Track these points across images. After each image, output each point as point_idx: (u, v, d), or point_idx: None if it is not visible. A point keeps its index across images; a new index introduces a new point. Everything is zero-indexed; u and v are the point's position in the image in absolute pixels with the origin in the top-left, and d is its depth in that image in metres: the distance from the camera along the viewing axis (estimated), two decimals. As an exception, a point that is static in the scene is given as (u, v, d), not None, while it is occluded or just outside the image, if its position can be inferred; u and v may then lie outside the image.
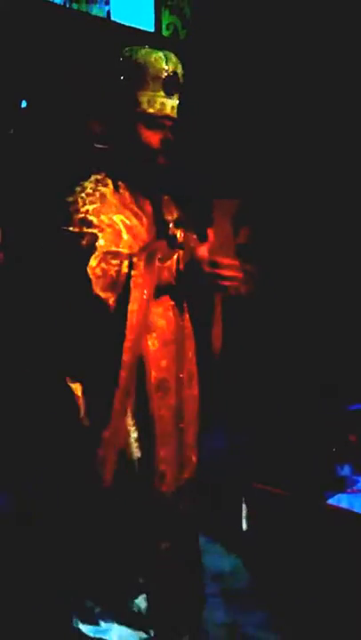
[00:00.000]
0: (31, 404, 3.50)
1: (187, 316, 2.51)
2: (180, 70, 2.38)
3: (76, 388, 2.29)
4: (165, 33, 5.50)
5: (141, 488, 2.37)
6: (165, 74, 2.32)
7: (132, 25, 5.20)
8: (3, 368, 3.75)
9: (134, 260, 2.23)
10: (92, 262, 2.21)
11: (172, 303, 2.44)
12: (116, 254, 2.25)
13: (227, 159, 4.87)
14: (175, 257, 2.28)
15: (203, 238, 2.46)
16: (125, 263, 2.21)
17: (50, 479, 2.69)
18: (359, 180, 4.74)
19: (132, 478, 2.36)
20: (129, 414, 2.34)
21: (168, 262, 2.27)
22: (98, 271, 2.20)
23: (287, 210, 4.87)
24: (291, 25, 4.90)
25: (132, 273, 2.21)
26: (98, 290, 2.19)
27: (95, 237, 2.26)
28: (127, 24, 5.18)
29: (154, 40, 5.14)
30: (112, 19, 5.63)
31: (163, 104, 2.35)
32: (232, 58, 5.08)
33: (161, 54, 2.35)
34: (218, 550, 3.51)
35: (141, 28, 5.28)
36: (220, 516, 3.55)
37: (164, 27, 5.53)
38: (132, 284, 2.20)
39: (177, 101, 2.40)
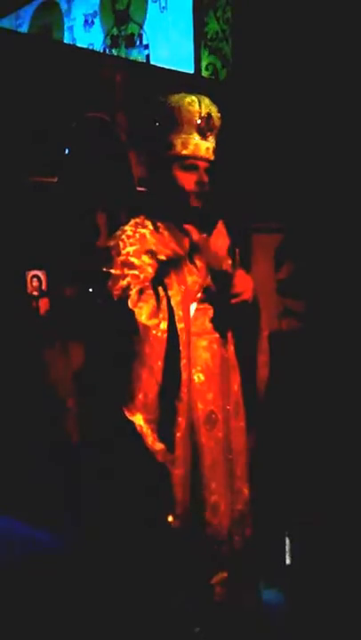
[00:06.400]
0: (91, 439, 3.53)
1: (231, 347, 2.54)
2: (214, 113, 2.44)
3: (138, 419, 2.28)
4: (205, 73, 5.57)
5: (193, 519, 2.37)
6: (198, 116, 2.40)
7: (172, 67, 5.26)
8: (56, 406, 3.81)
9: (166, 281, 2.31)
10: (133, 296, 2.27)
11: (216, 336, 2.48)
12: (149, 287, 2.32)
13: (269, 196, 4.89)
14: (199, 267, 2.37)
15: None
16: (160, 288, 2.29)
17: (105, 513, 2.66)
18: None
19: (183, 507, 2.34)
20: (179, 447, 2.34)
21: (198, 265, 2.36)
22: (140, 303, 2.26)
23: (331, 242, 4.86)
24: (332, 63, 4.91)
25: (170, 294, 2.29)
26: (144, 319, 2.25)
27: (137, 278, 2.34)
28: (166, 67, 5.25)
29: (193, 81, 5.21)
30: (151, 62, 5.78)
31: (196, 146, 2.42)
32: (274, 96, 5.11)
33: (194, 97, 2.42)
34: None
35: (180, 69, 5.34)
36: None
37: (203, 67, 5.61)
38: (173, 304, 2.28)
39: (212, 143, 2.47)
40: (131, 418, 2.27)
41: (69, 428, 3.85)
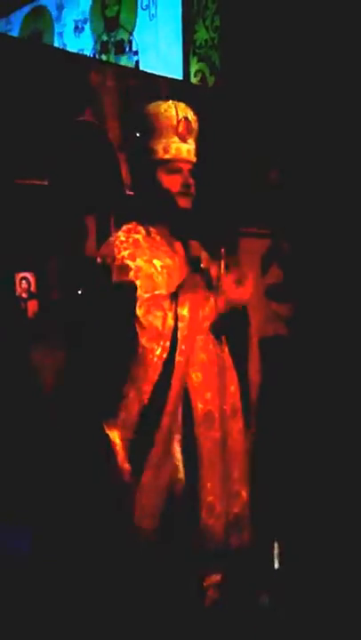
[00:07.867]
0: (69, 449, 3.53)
1: (225, 348, 2.54)
2: (191, 116, 2.49)
3: (114, 435, 2.31)
4: (193, 80, 5.61)
5: (188, 518, 2.37)
6: (176, 121, 2.45)
7: (161, 74, 5.30)
8: (45, 414, 3.81)
9: (179, 310, 2.30)
10: (138, 312, 2.28)
11: (211, 336, 2.48)
12: (158, 301, 2.32)
13: (257, 201, 4.92)
14: (212, 303, 2.37)
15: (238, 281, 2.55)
16: (170, 315, 2.28)
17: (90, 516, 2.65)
18: None
19: (180, 508, 2.36)
20: (177, 448, 2.36)
21: (209, 310, 2.37)
22: (144, 323, 2.27)
23: (319, 246, 4.89)
24: (320, 72, 4.94)
25: (179, 325, 2.28)
26: (144, 341, 2.26)
27: (133, 285, 2.33)
28: (156, 73, 5.28)
29: (181, 87, 5.23)
30: (140, 68, 5.80)
31: (177, 149, 2.46)
32: (261, 103, 5.14)
33: (170, 103, 2.48)
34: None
35: (169, 76, 5.37)
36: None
37: (192, 74, 5.65)
38: (179, 336, 2.27)
39: (193, 145, 2.51)
40: (108, 433, 2.28)
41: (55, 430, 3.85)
